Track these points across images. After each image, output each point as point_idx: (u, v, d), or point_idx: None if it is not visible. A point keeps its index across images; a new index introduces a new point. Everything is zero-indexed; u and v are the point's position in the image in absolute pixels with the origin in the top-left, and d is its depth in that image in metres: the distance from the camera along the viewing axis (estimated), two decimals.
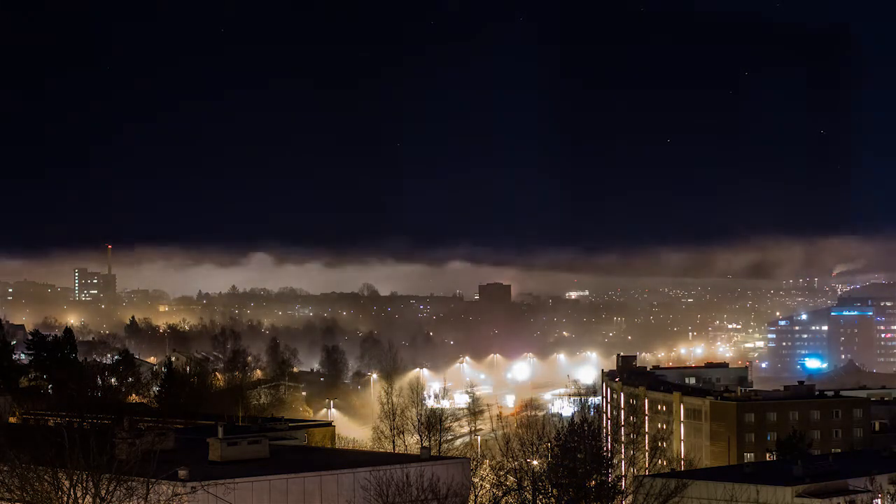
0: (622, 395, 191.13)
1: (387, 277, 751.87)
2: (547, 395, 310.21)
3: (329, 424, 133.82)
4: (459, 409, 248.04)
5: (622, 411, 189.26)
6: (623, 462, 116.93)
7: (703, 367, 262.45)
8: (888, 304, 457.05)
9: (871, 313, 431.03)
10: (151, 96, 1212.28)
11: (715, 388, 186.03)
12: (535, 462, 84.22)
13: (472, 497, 74.22)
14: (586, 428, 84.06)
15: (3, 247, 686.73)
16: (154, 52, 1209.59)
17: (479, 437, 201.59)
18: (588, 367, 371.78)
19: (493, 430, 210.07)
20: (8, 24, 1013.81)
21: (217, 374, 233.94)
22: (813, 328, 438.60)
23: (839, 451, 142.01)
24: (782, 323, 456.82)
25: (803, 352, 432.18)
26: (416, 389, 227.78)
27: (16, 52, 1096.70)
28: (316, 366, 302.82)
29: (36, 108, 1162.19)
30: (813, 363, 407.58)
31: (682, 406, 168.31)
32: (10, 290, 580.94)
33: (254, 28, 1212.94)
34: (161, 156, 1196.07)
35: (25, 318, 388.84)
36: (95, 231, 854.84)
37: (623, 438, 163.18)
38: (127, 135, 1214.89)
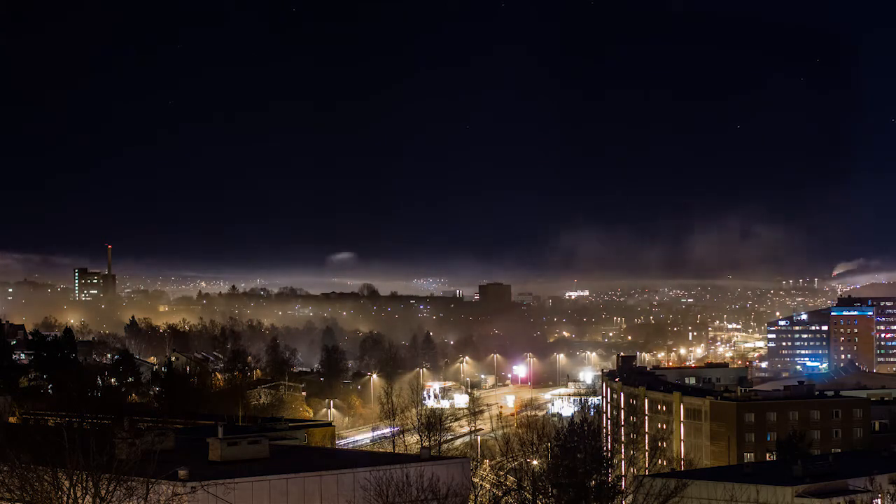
0: (622, 395, 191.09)
1: (387, 277, 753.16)
2: (547, 395, 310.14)
3: (329, 424, 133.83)
4: (459, 409, 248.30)
5: (622, 411, 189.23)
6: (623, 462, 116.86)
7: (703, 367, 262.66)
8: (888, 304, 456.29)
9: (871, 313, 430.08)
10: (160, 108, 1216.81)
11: (715, 388, 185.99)
12: (535, 462, 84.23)
13: (472, 497, 74.17)
14: (586, 428, 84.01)
15: (3, 247, 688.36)
16: (158, 74, 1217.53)
17: (479, 437, 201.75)
18: (588, 367, 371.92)
19: (492, 430, 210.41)
20: (15, 36, 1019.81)
21: (217, 374, 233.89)
22: (813, 328, 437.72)
23: (839, 451, 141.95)
24: (782, 323, 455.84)
25: (803, 352, 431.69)
26: (417, 389, 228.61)
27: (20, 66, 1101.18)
28: (316, 366, 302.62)
29: (39, 116, 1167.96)
30: (813, 363, 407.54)
31: (682, 406, 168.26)
32: (10, 290, 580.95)
33: (250, 54, 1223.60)
34: (164, 163, 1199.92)
35: (25, 318, 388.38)
36: (95, 231, 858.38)
37: (623, 438, 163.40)
38: (127, 143, 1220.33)
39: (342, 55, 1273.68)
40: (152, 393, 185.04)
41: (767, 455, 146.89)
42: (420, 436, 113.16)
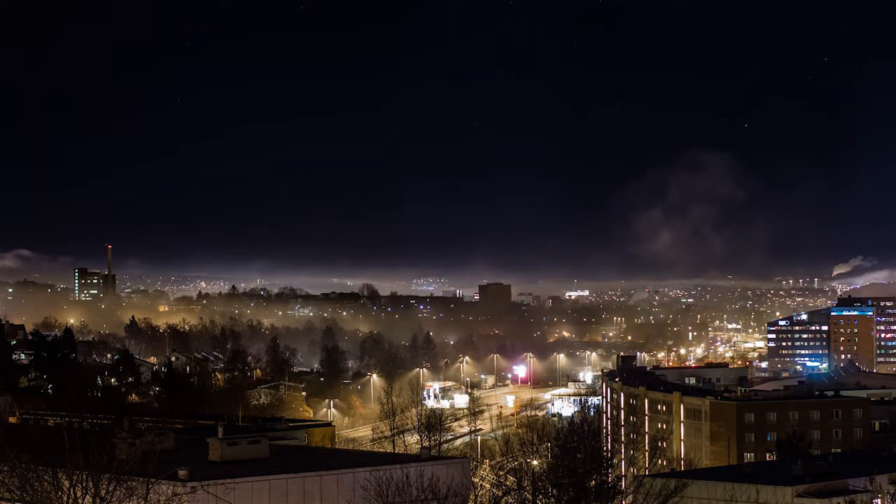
0: (622, 395, 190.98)
1: (387, 278, 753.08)
2: (547, 395, 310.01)
3: (329, 424, 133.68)
4: (459, 409, 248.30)
5: (622, 411, 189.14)
6: (623, 462, 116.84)
7: (703, 367, 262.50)
8: (888, 304, 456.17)
9: (871, 313, 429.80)
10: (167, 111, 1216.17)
11: (715, 388, 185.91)
12: (535, 462, 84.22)
13: (472, 497, 74.15)
14: (586, 428, 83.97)
15: (4, 247, 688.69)
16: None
17: (479, 437, 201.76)
18: (588, 367, 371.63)
19: (492, 430, 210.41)
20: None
21: (217, 374, 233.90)
22: (813, 328, 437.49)
23: (839, 451, 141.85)
24: (782, 323, 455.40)
25: (803, 352, 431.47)
26: (417, 389, 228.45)
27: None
28: (316, 366, 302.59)
29: (39, 118, 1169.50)
30: (813, 363, 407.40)
31: (682, 406, 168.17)
32: (10, 290, 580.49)
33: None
34: (164, 164, 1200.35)
35: (25, 318, 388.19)
36: (95, 231, 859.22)
37: (623, 438, 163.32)
38: (128, 144, 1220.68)
39: (342, 61, 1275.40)
40: (152, 393, 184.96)
41: (767, 455, 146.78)
42: (420, 436, 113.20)
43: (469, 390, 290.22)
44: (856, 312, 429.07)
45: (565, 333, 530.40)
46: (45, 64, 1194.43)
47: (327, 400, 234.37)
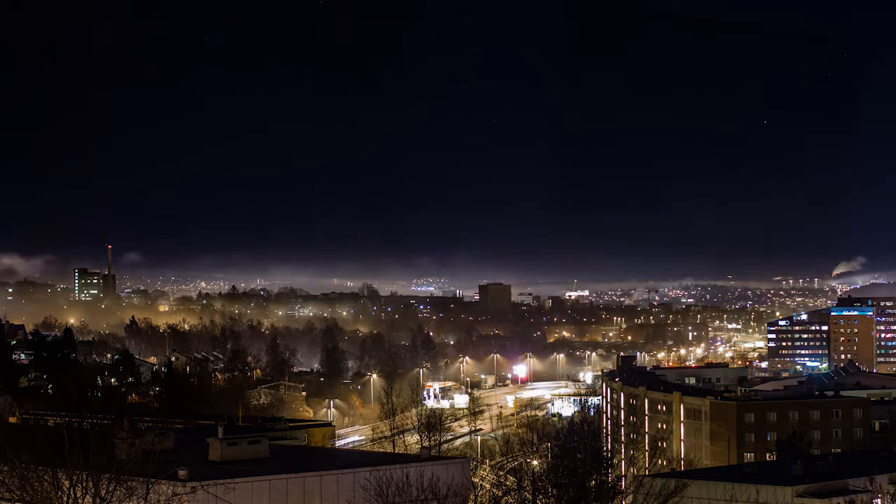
0: (622, 395, 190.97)
1: (387, 278, 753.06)
2: (547, 395, 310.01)
3: (329, 424, 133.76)
4: (459, 409, 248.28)
5: (622, 411, 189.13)
6: (623, 462, 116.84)
7: (703, 367, 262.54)
8: (888, 304, 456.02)
9: (871, 313, 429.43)
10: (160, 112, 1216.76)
11: (715, 388, 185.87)
12: (535, 462, 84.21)
13: (472, 497, 74.13)
14: (586, 428, 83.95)
15: (4, 247, 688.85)
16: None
17: (479, 437, 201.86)
18: (588, 368, 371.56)
19: (492, 430, 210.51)
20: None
21: (217, 374, 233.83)
22: (813, 328, 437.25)
23: (839, 451, 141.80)
24: (782, 323, 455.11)
25: (803, 352, 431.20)
26: (417, 389, 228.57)
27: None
28: (316, 366, 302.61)
29: (41, 119, 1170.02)
30: (813, 363, 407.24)
31: (682, 406, 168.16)
32: (10, 290, 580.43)
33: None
34: (164, 165, 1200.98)
35: (25, 318, 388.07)
36: (95, 231, 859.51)
37: (623, 438, 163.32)
38: (128, 145, 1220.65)
39: (343, 67, 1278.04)
40: (152, 393, 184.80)
41: (767, 455, 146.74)
42: (420, 436, 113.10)
43: (469, 390, 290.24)
44: (856, 312, 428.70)
45: (565, 333, 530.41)
46: (44, 67, 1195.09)
47: (327, 400, 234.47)
